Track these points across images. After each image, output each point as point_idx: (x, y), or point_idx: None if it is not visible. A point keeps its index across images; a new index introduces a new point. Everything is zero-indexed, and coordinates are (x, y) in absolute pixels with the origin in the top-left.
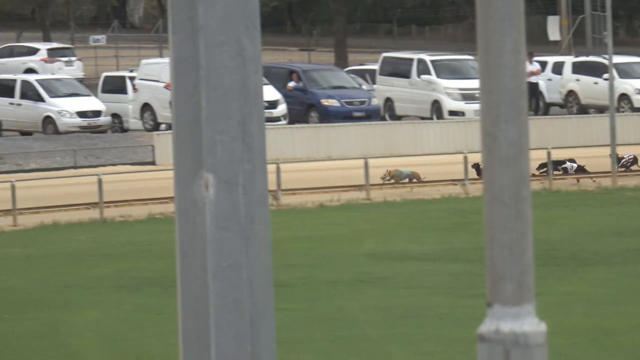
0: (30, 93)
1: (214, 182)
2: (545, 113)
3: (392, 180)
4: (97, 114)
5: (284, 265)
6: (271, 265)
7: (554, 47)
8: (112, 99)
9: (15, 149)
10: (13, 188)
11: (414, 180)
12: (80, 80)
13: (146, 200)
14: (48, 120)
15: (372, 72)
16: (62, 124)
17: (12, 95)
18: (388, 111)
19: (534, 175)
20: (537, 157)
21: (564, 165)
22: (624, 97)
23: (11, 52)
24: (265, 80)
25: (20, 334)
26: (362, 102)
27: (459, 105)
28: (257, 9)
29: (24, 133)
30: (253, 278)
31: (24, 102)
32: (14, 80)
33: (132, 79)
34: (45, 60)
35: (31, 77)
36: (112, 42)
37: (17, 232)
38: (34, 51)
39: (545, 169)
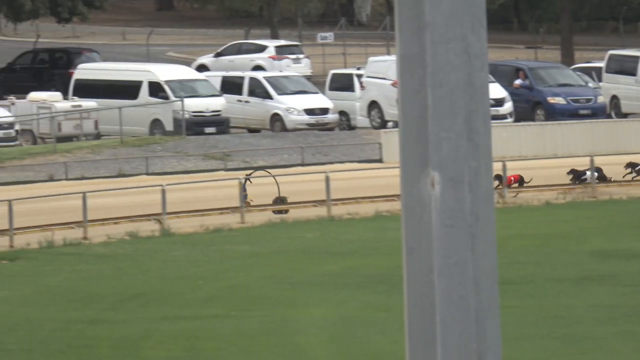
0: (258, 90)
1: (440, 180)
2: None
3: None
4: (324, 111)
5: (509, 262)
6: (496, 263)
7: None
8: (340, 96)
9: (243, 146)
10: (240, 185)
11: None
12: (308, 78)
13: (373, 198)
14: (276, 118)
15: (598, 70)
16: (289, 121)
17: (240, 93)
18: (614, 109)
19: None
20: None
21: (584, 177)
22: None
23: (239, 50)
24: (492, 78)
25: (247, 330)
26: (588, 100)
27: None
28: (483, 6)
29: (251, 130)
30: (478, 275)
31: (252, 99)
32: (242, 78)
33: (359, 76)
34: (273, 58)
35: (259, 75)
36: (340, 39)
37: (245, 229)
38: (262, 48)
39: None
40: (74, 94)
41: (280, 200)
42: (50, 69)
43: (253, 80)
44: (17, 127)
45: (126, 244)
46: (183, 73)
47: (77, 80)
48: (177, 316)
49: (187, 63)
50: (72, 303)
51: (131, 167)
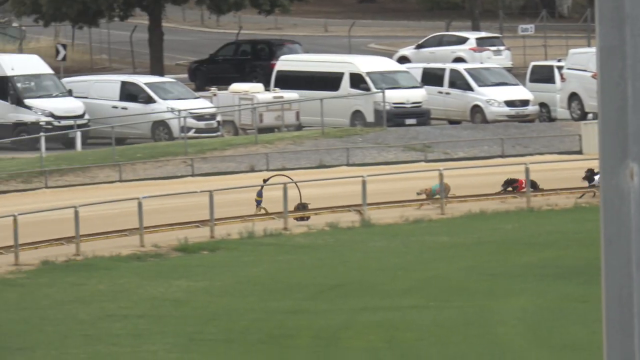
0: (458, 82)
1: (639, 172)
2: None
3: (425, 197)
4: (525, 103)
5: None
6: None
7: None
8: (540, 88)
9: (443, 138)
10: (441, 177)
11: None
12: (509, 70)
13: (573, 189)
14: (476, 109)
15: None
16: (490, 112)
17: (440, 84)
18: None
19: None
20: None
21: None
22: None
23: (440, 41)
24: None
25: (446, 321)
26: None
27: None
28: None
29: (452, 122)
30: None
31: (453, 91)
32: (443, 69)
33: (559, 68)
34: (474, 50)
35: (460, 66)
36: (540, 31)
37: (445, 220)
38: (462, 40)
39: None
40: (276, 85)
41: (302, 206)
42: (252, 61)
43: (454, 71)
44: (219, 118)
45: (326, 234)
46: (384, 65)
47: (278, 71)
48: (377, 307)
49: (389, 55)
50: (273, 293)
51: (332, 158)
